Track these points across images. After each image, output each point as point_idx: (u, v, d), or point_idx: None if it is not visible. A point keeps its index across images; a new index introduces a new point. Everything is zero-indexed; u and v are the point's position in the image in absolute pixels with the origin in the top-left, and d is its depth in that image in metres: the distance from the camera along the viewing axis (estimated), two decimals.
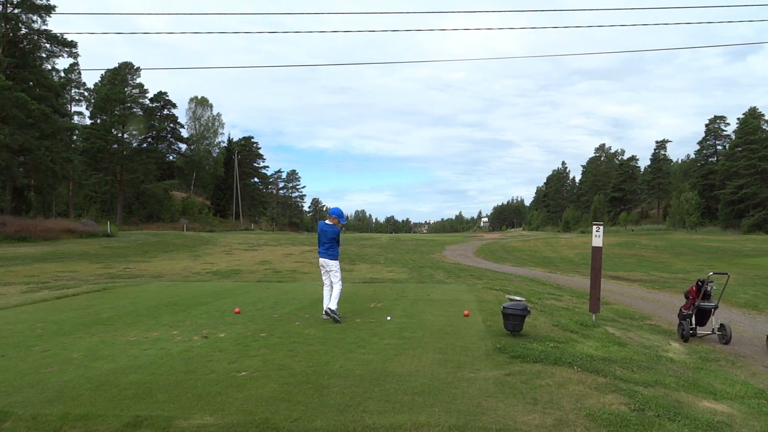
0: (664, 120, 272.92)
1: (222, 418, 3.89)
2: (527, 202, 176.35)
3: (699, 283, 9.09)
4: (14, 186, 41.75)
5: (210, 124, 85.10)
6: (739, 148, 71.27)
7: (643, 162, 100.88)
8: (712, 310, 9.06)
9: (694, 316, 9.06)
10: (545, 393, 4.58)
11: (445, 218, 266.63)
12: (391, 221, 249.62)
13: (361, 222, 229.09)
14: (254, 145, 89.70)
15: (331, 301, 8.18)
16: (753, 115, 72.02)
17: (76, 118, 62.14)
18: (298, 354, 5.87)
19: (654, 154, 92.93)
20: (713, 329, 9.01)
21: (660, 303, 14.03)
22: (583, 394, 4.59)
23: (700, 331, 9.15)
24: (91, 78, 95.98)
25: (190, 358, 5.67)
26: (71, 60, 53.27)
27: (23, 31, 40.81)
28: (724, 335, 8.82)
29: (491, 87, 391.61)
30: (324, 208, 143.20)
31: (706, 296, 9.03)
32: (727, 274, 9.54)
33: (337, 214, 8.45)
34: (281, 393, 4.47)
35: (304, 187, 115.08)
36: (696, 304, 9.02)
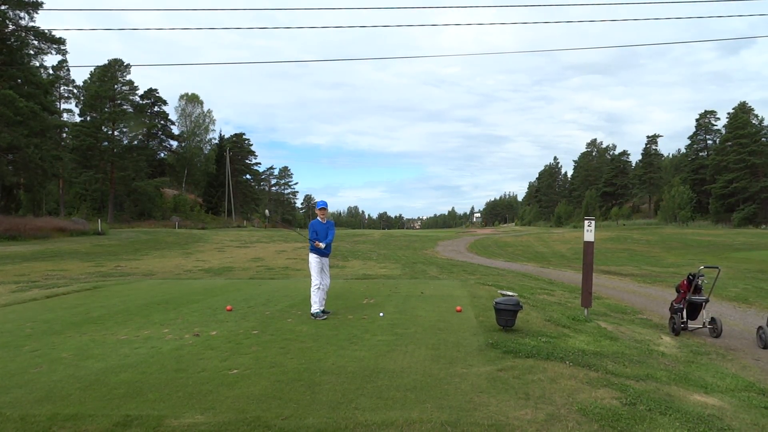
0: (657, 114, 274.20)
1: (213, 417, 3.86)
2: (520, 198, 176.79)
3: (690, 277, 9.15)
4: (3, 184, 41.34)
5: (201, 121, 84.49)
6: (729, 143, 71.68)
7: (635, 157, 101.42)
8: (703, 303, 9.12)
9: (685, 310, 9.11)
10: (537, 388, 4.59)
11: (438, 214, 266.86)
12: (384, 217, 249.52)
13: (354, 218, 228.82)
14: (246, 141, 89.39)
15: (324, 300, 8.24)
16: (743, 109, 72.44)
17: (65, 115, 61.48)
18: (290, 351, 5.85)
19: (645, 149, 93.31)
20: (704, 323, 9.08)
21: (651, 297, 14.12)
22: (575, 389, 4.61)
23: (691, 324, 9.21)
24: (80, 75, 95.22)
25: (181, 357, 5.64)
26: (60, 57, 52.60)
27: (10, 27, 40.32)
28: (715, 329, 8.88)
29: (485, 82, 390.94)
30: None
31: (697, 290, 9.08)
32: (717, 268, 9.61)
33: (326, 204, 8.53)
34: (273, 391, 4.45)
35: (296, 183, 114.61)
36: (687, 298, 9.08)
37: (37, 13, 40.89)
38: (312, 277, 8.24)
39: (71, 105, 64.41)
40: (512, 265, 25.12)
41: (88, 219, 47.05)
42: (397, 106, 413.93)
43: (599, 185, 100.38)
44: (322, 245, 8.18)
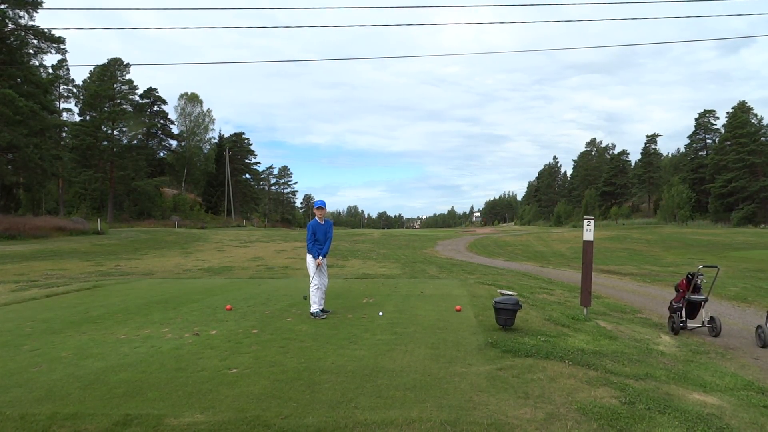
0: (657, 114, 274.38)
1: (213, 416, 3.87)
2: (519, 197, 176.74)
3: (689, 276, 9.16)
4: (3, 183, 41.31)
5: (200, 120, 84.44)
6: (729, 142, 71.64)
7: (634, 156, 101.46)
8: (702, 303, 9.12)
9: (684, 309, 9.12)
10: (537, 387, 4.59)
11: (437, 213, 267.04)
12: (383, 217, 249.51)
13: (354, 218, 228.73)
14: (245, 141, 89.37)
15: (323, 300, 8.24)
16: (742, 109, 72.39)
17: (65, 114, 61.40)
18: (289, 350, 5.85)
19: (644, 148, 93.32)
20: (703, 322, 9.08)
21: (651, 296, 14.12)
22: (575, 388, 4.61)
23: (691, 323, 9.22)
24: (80, 74, 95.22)
25: (180, 356, 5.64)
26: (59, 56, 52.69)
27: (10, 26, 40.25)
28: (714, 328, 8.89)
29: (484, 81, 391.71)
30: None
31: (696, 289, 9.09)
32: (716, 267, 9.61)
33: (324, 204, 8.47)
34: (272, 390, 4.46)
35: (296, 183, 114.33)
36: (686, 297, 9.09)
37: (36, 12, 40.89)
38: (311, 277, 8.24)
39: (71, 104, 64.40)
40: (512, 265, 25.12)
41: (88, 218, 46.99)
42: (396, 106, 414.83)
43: (599, 185, 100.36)
44: (321, 259, 8.19)
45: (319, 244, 8.23)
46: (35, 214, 47.26)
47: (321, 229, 8.26)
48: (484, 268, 21.17)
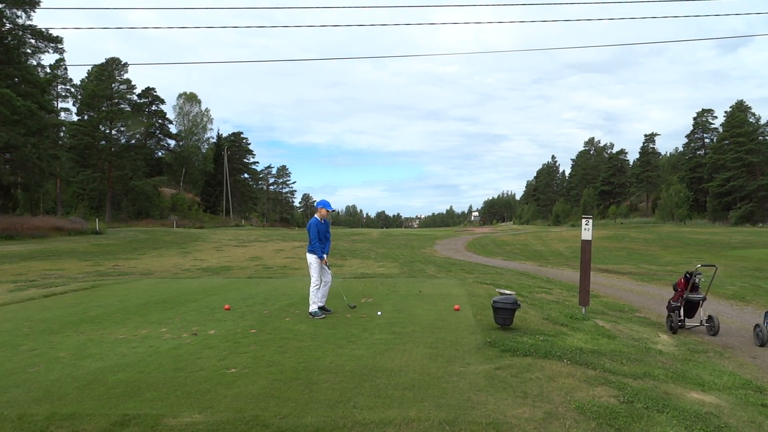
0: (655, 113, 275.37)
1: (211, 416, 3.86)
2: (518, 196, 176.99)
3: (687, 275, 9.17)
4: (0, 183, 41.22)
5: (199, 120, 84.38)
6: (727, 141, 71.79)
7: (633, 155, 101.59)
8: (701, 302, 9.14)
9: (682, 308, 9.14)
10: (535, 386, 4.59)
11: (436, 213, 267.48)
12: (382, 216, 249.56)
13: (352, 217, 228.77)
14: (244, 140, 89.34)
15: (325, 298, 8.27)
16: (740, 108, 72.49)
17: (62, 114, 61.21)
18: (288, 350, 5.84)
19: (643, 148, 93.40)
20: (701, 321, 9.10)
21: (649, 295, 14.14)
22: (573, 387, 4.61)
23: (689, 322, 9.23)
24: (78, 74, 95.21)
25: (179, 356, 5.63)
26: (57, 56, 52.78)
27: (7, 26, 40.15)
28: (712, 327, 8.91)
29: (484, 81, 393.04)
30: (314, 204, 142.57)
31: (695, 288, 9.11)
32: (715, 266, 9.62)
33: (326, 204, 8.45)
34: (271, 390, 4.45)
35: (294, 182, 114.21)
36: (684, 296, 9.10)
37: (34, 11, 40.73)
38: (312, 277, 8.22)
39: (68, 104, 64.31)
40: (510, 264, 25.13)
41: (86, 218, 46.89)
42: (395, 105, 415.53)
43: (597, 184, 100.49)
44: (324, 257, 8.21)
45: (322, 243, 8.26)
46: (33, 213, 47.12)
47: (323, 229, 8.30)
48: (483, 268, 21.18)
